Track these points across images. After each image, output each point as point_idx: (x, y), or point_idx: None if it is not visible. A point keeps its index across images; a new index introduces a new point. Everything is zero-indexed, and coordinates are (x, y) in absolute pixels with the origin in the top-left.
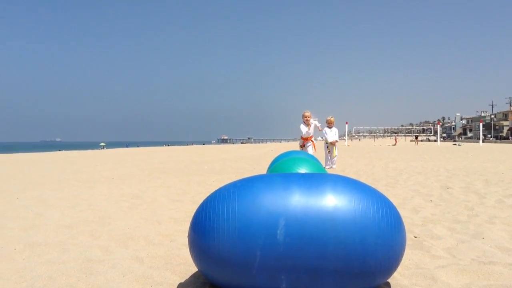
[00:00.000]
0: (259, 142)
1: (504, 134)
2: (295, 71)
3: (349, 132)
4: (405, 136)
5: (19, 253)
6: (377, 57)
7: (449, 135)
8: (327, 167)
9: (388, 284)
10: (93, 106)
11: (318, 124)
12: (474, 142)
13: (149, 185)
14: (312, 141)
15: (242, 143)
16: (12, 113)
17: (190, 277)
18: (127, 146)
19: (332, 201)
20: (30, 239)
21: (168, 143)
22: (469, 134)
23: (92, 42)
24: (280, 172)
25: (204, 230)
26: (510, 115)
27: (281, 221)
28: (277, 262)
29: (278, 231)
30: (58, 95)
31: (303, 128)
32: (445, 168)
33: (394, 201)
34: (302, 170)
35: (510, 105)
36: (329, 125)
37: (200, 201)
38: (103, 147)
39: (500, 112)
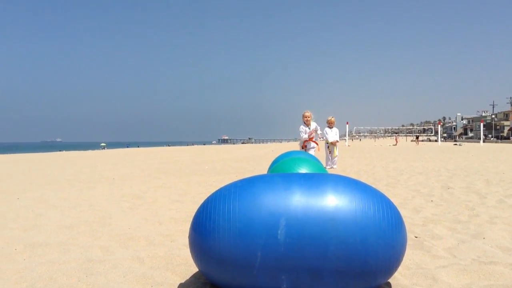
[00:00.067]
0: (259, 142)
1: (505, 134)
2: (295, 72)
3: (350, 132)
4: (406, 136)
5: (20, 254)
6: (378, 57)
7: (450, 135)
8: (328, 167)
9: (389, 284)
10: (93, 107)
11: (319, 132)
12: (475, 142)
13: (150, 186)
14: (315, 141)
15: (242, 143)
16: (13, 113)
17: (191, 277)
18: (127, 147)
19: (333, 201)
20: (30, 240)
21: (168, 144)
22: (470, 134)
23: (93, 43)
24: (280, 172)
25: (205, 230)
26: (511, 115)
27: (282, 221)
28: (278, 262)
29: (279, 231)
30: (58, 96)
31: (303, 130)
32: (446, 168)
33: (395, 201)
34: (303, 170)
35: (511, 105)
36: (330, 125)
37: (201, 201)
38: (103, 148)
39: (501, 112)
